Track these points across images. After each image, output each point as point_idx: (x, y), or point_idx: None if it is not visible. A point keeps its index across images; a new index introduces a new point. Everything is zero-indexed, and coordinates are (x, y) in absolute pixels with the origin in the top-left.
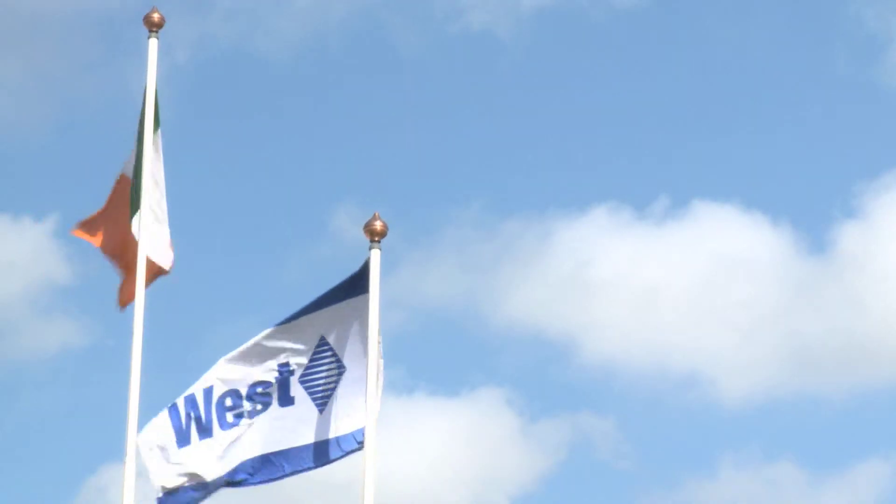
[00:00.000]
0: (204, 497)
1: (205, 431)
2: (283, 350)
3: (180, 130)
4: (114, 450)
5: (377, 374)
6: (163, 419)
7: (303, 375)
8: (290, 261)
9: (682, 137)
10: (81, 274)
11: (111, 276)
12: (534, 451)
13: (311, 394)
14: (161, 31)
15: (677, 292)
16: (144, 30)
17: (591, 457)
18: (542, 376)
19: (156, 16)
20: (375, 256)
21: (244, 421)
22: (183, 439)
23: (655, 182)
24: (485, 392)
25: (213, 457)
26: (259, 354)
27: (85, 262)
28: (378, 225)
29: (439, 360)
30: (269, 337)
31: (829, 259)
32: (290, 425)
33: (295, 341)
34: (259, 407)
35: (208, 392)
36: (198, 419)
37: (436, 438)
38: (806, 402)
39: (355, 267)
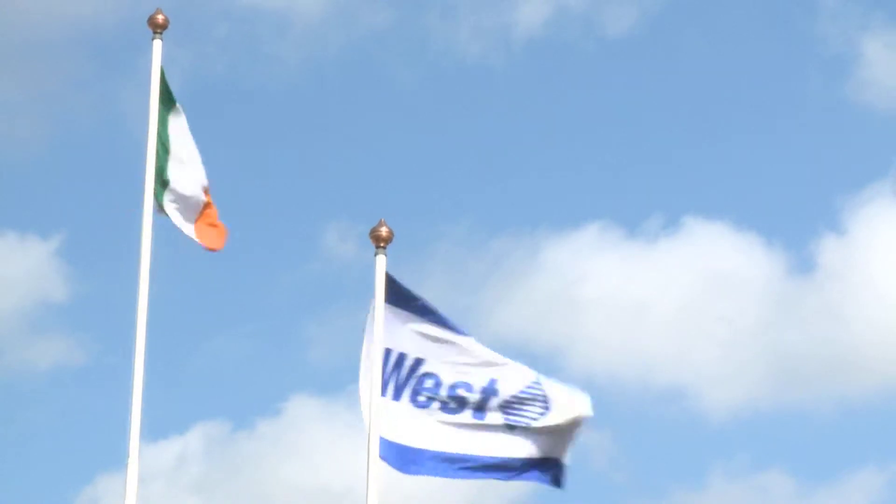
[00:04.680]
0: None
1: (397, 392)
2: (492, 364)
3: None
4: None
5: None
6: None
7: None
8: (283, 277)
9: (674, 157)
10: (78, 292)
11: (107, 294)
12: None
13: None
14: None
15: (666, 309)
16: (138, 47)
17: (586, 468)
18: None
19: (160, 17)
20: (381, 262)
21: (436, 406)
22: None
23: (647, 201)
24: None
25: (421, 428)
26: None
27: (82, 281)
28: (384, 231)
29: None
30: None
31: (810, 272)
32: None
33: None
34: (453, 405)
35: (418, 363)
36: (397, 379)
37: None
38: (791, 413)
39: (348, 280)
